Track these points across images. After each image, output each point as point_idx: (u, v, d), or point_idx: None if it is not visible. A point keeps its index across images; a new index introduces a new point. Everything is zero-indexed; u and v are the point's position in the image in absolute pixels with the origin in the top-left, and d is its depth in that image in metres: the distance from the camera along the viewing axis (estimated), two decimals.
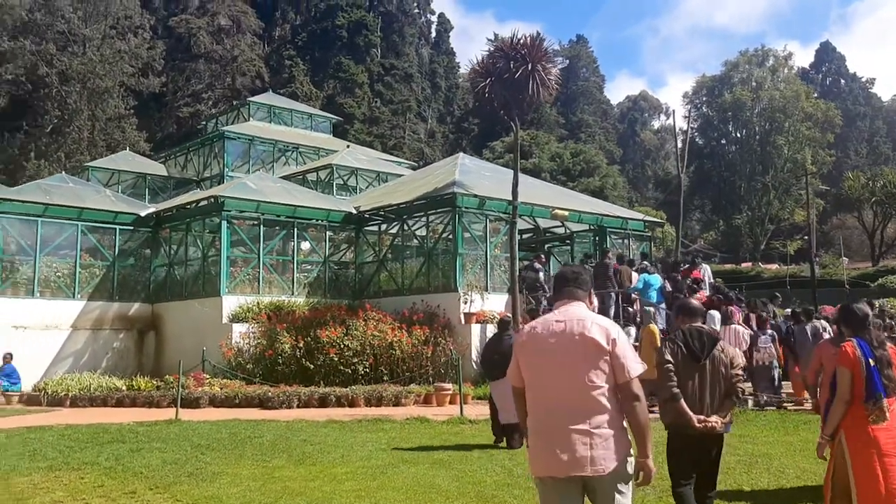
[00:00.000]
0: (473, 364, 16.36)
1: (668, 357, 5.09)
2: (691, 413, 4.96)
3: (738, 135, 58.39)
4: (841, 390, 4.80)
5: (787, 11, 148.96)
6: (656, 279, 16.26)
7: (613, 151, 71.12)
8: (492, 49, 17.03)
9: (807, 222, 54.70)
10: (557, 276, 3.94)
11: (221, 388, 14.52)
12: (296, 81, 64.71)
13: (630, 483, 3.60)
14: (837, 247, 52.61)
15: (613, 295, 16.65)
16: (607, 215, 21.32)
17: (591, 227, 21.54)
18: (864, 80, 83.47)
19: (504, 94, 16.90)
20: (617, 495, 3.51)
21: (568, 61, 76.05)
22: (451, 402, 13.91)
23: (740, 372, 5.18)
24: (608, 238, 21.06)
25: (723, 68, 59.91)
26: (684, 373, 5.08)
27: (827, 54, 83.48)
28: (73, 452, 9.35)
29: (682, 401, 4.99)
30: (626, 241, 21.71)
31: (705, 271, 18.68)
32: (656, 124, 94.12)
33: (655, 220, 23.64)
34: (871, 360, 4.74)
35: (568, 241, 23.18)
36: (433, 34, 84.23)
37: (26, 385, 16.41)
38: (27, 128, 49.83)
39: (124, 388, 15.17)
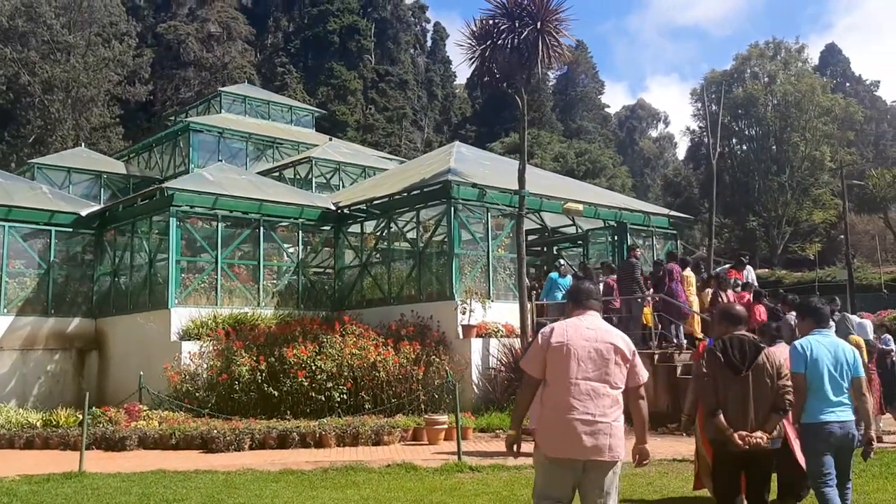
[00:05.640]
0: (474, 388, 13.43)
1: (706, 369, 4.90)
2: (731, 430, 4.73)
3: (751, 132, 55.17)
4: None
5: (759, 11, 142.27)
6: (566, 281, 14.63)
7: (613, 158, 68.69)
8: (494, 8, 14.14)
9: (825, 223, 51.76)
10: (579, 289, 4.44)
11: (160, 423, 11.61)
12: (288, 89, 62.14)
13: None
14: (855, 249, 49.62)
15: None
16: (628, 209, 18.36)
17: (608, 224, 18.59)
18: (868, 82, 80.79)
19: (506, 61, 14.07)
20: (614, 476, 4.11)
21: (567, 67, 73.40)
22: (446, 439, 10.99)
23: (789, 383, 4.89)
24: (628, 237, 18.15)
25: (733, 62, 56.99)
26: (724, 385, 4.83)
27: (832, 56, 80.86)
28: None
29: (721, 416, 4.78)
30: (647, 240, 18.82)
31: (749, 273, 15.75)
32: (654, 133, 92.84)
33: (683, 215, 20.66)
34: None
35: (580, 242, 20.19)
36: (429, 43, 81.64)
37: None
38: (9, 138, 47.42)
39: (39, 424, 12.17)
